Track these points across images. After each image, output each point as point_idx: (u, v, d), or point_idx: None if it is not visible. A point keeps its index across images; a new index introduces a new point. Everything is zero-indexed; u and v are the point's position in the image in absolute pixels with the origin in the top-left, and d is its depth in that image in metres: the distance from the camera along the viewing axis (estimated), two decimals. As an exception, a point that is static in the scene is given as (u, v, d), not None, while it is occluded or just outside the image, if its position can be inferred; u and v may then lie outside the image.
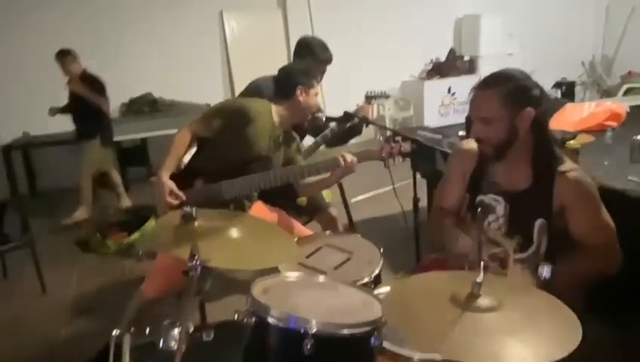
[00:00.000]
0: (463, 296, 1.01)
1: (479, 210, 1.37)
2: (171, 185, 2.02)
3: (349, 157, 2.03)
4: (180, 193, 2.02)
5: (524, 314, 1.00)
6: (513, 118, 1.44)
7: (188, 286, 1.33)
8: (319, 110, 2.46)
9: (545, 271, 1.36)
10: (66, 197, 4.95)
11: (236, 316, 1.27)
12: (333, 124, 2.62)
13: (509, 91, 1.43)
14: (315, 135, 2.80)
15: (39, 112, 4.96)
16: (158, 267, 2.14)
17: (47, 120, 4.96)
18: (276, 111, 2.17)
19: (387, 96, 2.75)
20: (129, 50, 5.25)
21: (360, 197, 4.13)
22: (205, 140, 2.17)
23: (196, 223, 1.31)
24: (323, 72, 2.53)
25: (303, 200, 2.57)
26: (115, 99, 5.22)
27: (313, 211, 2.65)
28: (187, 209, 1.23)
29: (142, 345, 1.46)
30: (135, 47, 5.27)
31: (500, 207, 1.53)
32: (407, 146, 2.06)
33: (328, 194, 4.07)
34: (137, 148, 5.11)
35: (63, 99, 5.03)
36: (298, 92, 2.12)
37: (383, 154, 2.07)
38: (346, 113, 2.37)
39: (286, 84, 2.15)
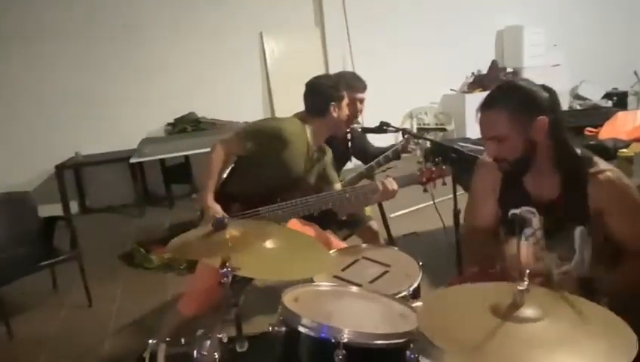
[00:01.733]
0: (504, 306, 0.95)
1: (516, 223, 1.29)
2: (218, 208, 2.03)
3: (390, 184, 1.99)
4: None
5: (571, 324, 0.93)
6: (526, 131, 1.37)
7: (222, 296, 1.33)
8: (355, 122, 2.45)
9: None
10: (113, 214, 5.17)
11: (270, 328, 1.25)
12: (390, 147, 2.59)
13: (515, 105, 1.36)
14: (358, 156, 2.78)
15: (89, 133, 5.24)
16: (197, 286, 2.14)
17: (97, 140, 5.23)
18: (310, 129, 2.16)
19: (443, 130, 2.72)
20: (173, 72, 5.44)
21: (400, 213, 4.05)
22: (241, 163, 2.18)
23: (229, 233, 1.31)
24: (362, 100, 2.52)
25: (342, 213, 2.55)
26: (161, 119, 5.44)
27: (354, 225, 2.62)
28: (219, 217, 1.23)
29: (177, 354, 1.47)
30: (179, 69, 5.46)
31: (536, 220, 1.44)
32: (448, 170, 2.05)
33: (368, 210, 4.03)
34: (181, 166, 5.24)
35: (112, 120, 5.30)
36: (331, 109, 2.11)
37: (424, 180, 2.05)
38: (382, 123, 2.34)
39: (317, 102, 2.14)
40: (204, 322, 1.48)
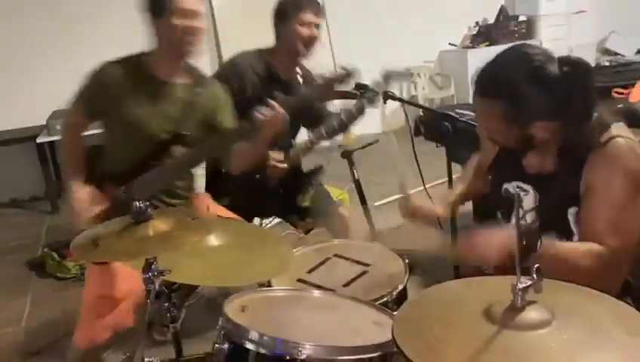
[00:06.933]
0: (500, 309, 0.96)
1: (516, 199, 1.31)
2: (91, 189, 2.03)
3: (272, 109, 2.03)
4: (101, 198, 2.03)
5: (585, 327, 0.95)
6: (519, 132, 1.40)
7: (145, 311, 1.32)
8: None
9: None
10: (18, 209, 5.07)
11: (213, 347, 1.25)
12: (342, 108, 2.54)
13: (509, 107, 1.37)
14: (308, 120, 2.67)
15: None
16: (85, 305, 2.09)
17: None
18: (148, 54, 2.12)
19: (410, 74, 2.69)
20: (94, 26, 5.34)
21: (384, 201, 4.08)
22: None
23: (154, 226, 1.28)
24: (314, 24, 2.45)
25: (305, 199, 2.54)
26: (77, 85, 5.32)
27: (318, 213, 2.60)
28: (139, 205, 1.20)
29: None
30: (102, 23, 5.35)
31: (529, 198, 1.47)
32: (353, 72, 2.12)
33: (345, 198, 4.05)
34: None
35: (12, 89, 5.15)
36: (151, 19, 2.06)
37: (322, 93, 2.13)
38: (358, 85, 2.32)
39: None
40: (127, 343, 1.46)
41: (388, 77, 2.45)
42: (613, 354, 0.92)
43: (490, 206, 1.64)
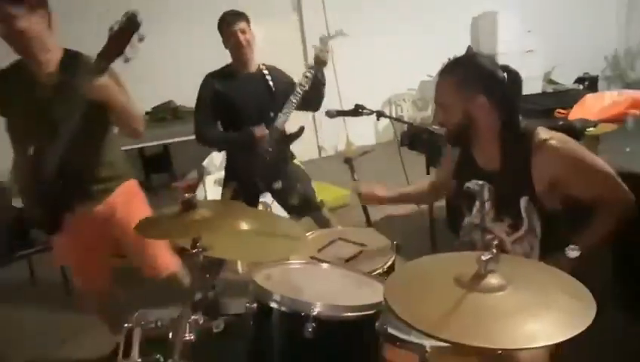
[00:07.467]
0: (468, 276, 0.97)
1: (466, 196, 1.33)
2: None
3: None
4: None
5: (533, 291, 0.95)
6: (465, 105, 1.41)
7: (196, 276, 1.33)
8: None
9: (572, 253, 1.27)
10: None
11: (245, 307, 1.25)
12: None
13: (463, 78, 1.41)
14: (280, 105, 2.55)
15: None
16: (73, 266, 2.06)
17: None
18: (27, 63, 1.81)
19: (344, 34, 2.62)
20: (149, 61, 5.31)
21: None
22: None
23: (200, 213, 1.29)
24: (240, 30, 2.43)
25: (294, 198, 2.52)
26: (139, 108, 5.34)
27: (304, 211, 2.56)
28: (186, 195, 1.21)
29: (153, 337, 1.46)
30: (155, 58, 5.33)
31: (485, 192, 1.49)
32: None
33: (347, 195, 4.05)
34: (160, 155, 5.18)
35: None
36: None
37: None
38: (357, 106, 2.33)
39: None
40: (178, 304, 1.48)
41: (321, 42, 2.52)
42: (556, 310, 0.92)
43: (458, 203, 1.65)
